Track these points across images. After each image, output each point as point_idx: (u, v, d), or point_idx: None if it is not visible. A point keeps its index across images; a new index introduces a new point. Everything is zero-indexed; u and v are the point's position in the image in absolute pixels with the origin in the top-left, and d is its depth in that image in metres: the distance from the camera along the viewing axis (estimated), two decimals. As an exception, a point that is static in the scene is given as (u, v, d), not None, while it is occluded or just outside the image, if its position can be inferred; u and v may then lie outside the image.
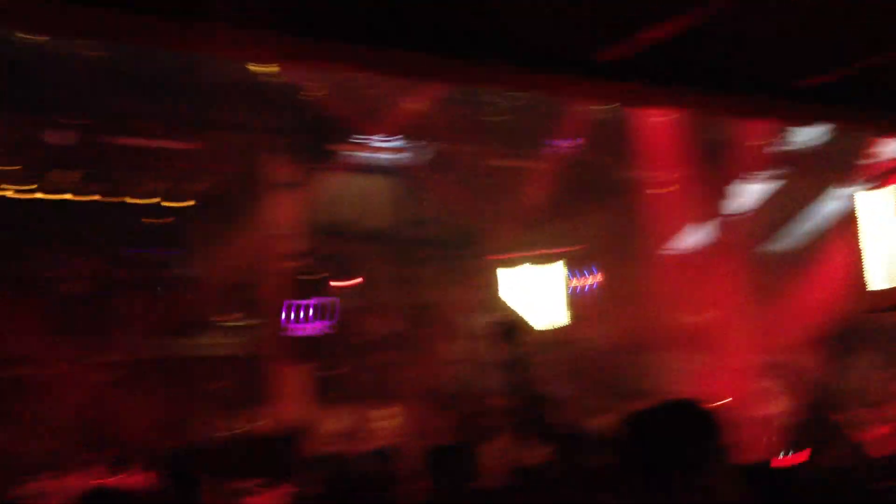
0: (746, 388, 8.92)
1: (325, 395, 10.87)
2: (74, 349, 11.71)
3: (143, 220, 11.79)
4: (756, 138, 10.01)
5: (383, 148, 11.00)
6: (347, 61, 4.14)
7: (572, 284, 9.89)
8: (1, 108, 9.22)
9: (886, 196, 7.86)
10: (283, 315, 11.12)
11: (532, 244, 9.65)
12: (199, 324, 11.73)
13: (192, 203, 11.53)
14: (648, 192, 10.45)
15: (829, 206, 10.84)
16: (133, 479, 7.42)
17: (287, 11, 3.19)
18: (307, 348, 11.16)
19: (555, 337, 10.10)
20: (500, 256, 9.46)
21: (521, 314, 9.18)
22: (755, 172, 10.39)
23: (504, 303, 9.77)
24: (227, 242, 11.13)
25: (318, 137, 10.20)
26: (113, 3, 3.08)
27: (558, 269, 9.90)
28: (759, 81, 4.36)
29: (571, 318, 10.23)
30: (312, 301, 11.53)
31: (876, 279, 8.05)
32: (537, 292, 9.84)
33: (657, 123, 10.05)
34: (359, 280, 11.72)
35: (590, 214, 10.35)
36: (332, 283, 11.79)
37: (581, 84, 4.30)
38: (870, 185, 8.06)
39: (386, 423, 10.83)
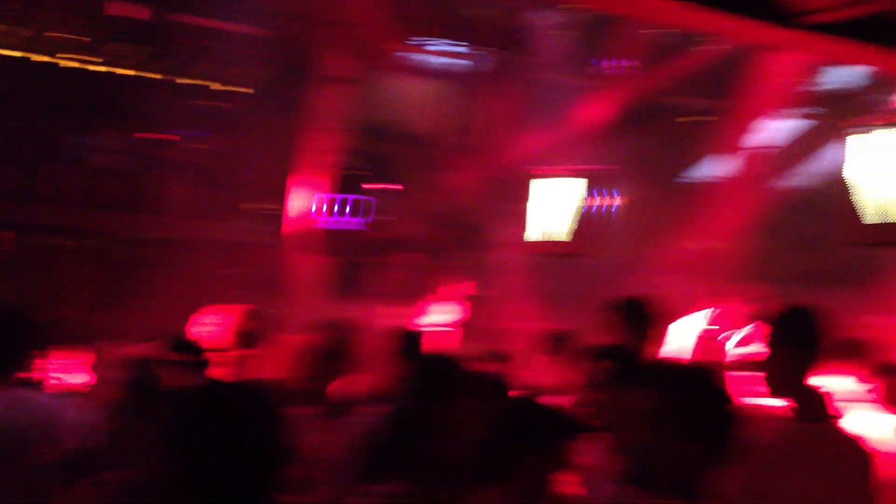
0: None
1: (343, 290, 11.30)
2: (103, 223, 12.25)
3: (198, 102, 12.45)
4: (788, 75, 10.51)
5: (442, 52, 11.82)
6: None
7: (589, 203, 10.21)
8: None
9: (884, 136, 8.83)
10: (319, 206, 11.83)
11: (566, 159, 10.17)
12: (233, 209, 12.35)
13: (248, 91, 12.27)
14: (681, 119, 11.34)
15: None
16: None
17: None
18: (337, 242, 11.87)
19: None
20: (534, 169, 10.09)
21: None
22: (784, 109, 11.01)
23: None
24: (275, 132, 11.75)
25: (378, 35, 10.93)
26: None
27: (578, 185, 10.19)
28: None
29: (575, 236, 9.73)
30: (350, 197, 12.33)
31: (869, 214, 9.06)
32: (552, 205, 9.64)
33: (705, 52, 10.77)
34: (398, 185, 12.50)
35: (625, 137, 11.15)
36: (372, 183, 12.58)
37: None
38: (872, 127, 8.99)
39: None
